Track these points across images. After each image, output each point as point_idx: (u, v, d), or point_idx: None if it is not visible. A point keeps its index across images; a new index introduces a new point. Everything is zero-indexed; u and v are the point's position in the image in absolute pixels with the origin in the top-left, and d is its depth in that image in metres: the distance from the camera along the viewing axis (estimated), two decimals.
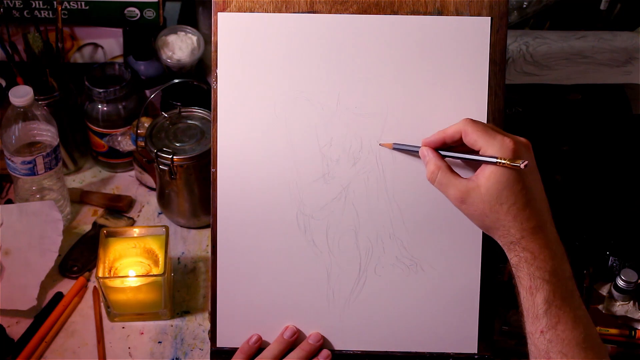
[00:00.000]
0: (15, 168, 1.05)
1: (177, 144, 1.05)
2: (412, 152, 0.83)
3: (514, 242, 0.75)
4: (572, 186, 1.08)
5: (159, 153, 1.03)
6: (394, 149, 0.84)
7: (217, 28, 0.85)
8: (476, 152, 0.77)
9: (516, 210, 0.74)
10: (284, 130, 0.85)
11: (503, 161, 0.74)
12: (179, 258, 1.07)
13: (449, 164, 0.79)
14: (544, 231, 0.75)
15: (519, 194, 0.74)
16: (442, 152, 0.80)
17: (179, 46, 1.22)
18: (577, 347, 0.73)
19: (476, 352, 0.87)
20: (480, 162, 0.76)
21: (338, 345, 0.88)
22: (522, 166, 0.73)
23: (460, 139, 0.78)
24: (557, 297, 0.73)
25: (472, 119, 0.78)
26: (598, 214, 1.06)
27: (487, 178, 0.75)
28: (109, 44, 1.23)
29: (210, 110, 0.86)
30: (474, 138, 0.76)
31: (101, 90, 1.12)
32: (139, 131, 1.10)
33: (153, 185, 1.15)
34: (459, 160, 0.81)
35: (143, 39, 1.22)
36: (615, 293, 0.98)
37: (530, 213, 0.75)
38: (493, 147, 0.75)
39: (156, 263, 0.98)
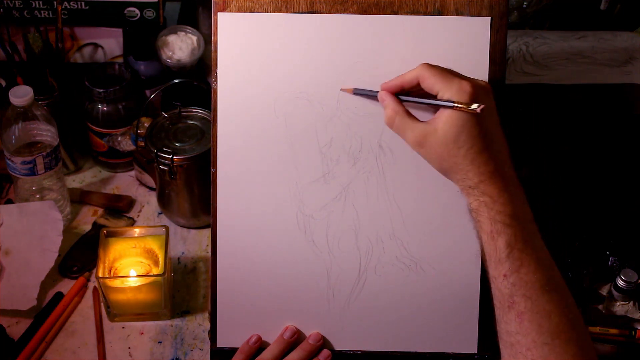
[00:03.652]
0: (15, 168, 1.05)
1: (177, 144, 1.05)
2: (372, 96, 0.82)
3: (472, 186, 0.75)
4: (573, 186, 1.08)
5: (159, 153, 1.03)
6: (355, 94, 0.84)
7: (217, 28, 0.85)
8: (434, 97, 0.76)
9: (474, 153, 0.74)
10: (284, 130, 0.85)
11: (459, 105, 0.73)
12: (179, 258, 1.07)
13: (406, 109, 0.79)
14: (502, 175, 0.75)
15: (476, 137, 0.74)
16: (401, 97, 0.80)
17: (179, 46, 1.22)
18: (541, 289, 0.72)
19: (476, 352, 0.87)
20: (439, 107, 0.76)
21: (338, 345, 0.88)
22: (478, 110, 0.72)
23: (419, 84, 0.78)
24: (518, 241, 0.73)
25: (429, 64, 0.77)
26: (598, 214, 1.06)
27: (444, 122, 0.74)
28: (109, 44, 1.23)
29: (210, 110, 0.86)
30: (431, 83, 0.76)
31: (101, 90, 1.12)
32: (139, 131, 1.10)
33: (153, 185, 1.14)
34: (419, 106, 0.80)
35: (143, 39, 1.22)
36: (615, 293, 0.97)
37: (488, 157, 0.74)
38: (450, 91, 0.74)
39: (156, 263, 0.98)
